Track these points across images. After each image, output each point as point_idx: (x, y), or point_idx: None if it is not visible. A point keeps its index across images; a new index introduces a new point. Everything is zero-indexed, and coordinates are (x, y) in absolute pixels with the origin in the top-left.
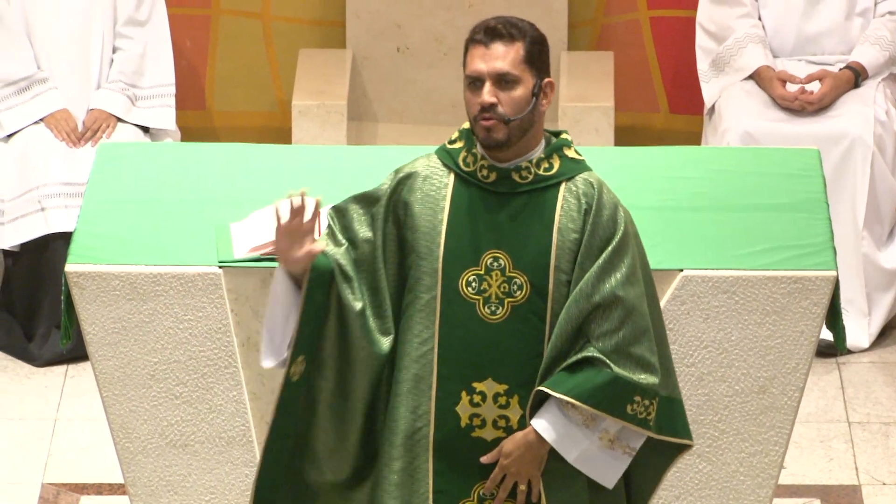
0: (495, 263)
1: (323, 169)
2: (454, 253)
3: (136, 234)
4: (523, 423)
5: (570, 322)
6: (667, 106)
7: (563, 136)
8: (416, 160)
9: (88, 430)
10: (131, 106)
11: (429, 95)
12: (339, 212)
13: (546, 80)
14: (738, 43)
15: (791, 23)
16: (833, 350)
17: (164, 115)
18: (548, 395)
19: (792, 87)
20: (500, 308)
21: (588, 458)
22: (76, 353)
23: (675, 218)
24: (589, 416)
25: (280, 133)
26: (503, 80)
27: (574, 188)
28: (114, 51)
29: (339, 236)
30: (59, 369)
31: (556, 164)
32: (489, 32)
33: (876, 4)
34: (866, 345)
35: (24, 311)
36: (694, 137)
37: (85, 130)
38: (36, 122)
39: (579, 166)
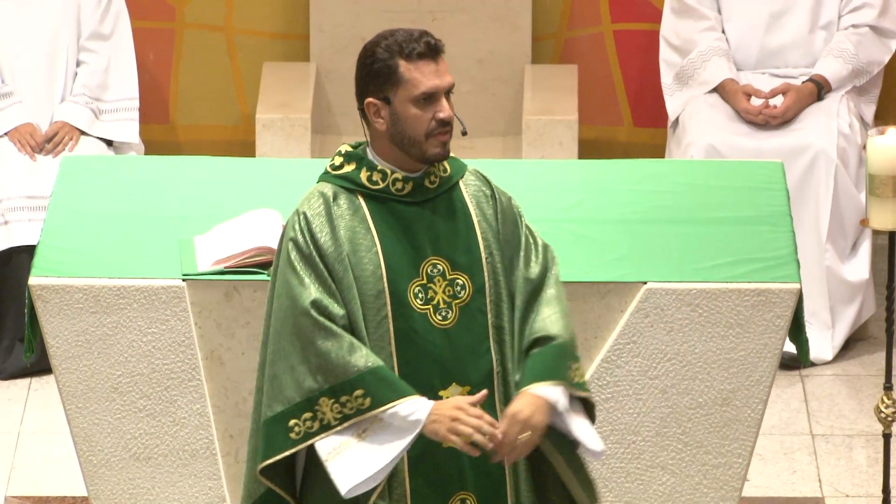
0: (435, 270)
1: (286, 182)
2: (395, 269)
3: (99, 247)
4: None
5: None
6: (630, 119)
7: None
8: (312, 196)
9: (52, 443)
10: (95, 119)
11: None
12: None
13: None
14: (702, 56)
15: (755, 36)
16: (796, 363)
17: (128, 129)
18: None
19: (756, 101)
20: (450, 312)
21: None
22: (40, 366)
23: (638, 231)
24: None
25: (244, 146)
26: (448, 92)
27: (470, 183)
28: (77, 64)
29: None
30: (23, 382)
31: (448, 165)
32: (432, 47)
33: (839, 17)
34: (830, 357)
35: None
36: (657, 151)
37: (47, 140)
38: (0, 136)
39: (461, 163)
